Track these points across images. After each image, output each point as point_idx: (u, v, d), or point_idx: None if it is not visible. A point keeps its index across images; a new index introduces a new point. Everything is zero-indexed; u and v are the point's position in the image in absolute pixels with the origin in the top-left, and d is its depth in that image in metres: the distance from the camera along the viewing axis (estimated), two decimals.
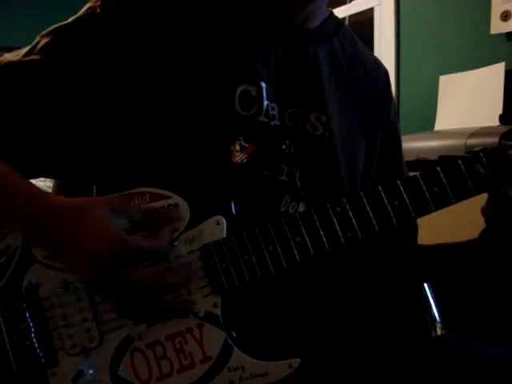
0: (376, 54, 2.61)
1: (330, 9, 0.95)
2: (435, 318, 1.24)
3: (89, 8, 0.81)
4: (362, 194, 0.76)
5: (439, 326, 1.24)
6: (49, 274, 0.75)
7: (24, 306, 0.74)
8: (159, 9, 0.80)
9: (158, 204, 0.76)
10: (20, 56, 0.81)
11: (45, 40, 0.80)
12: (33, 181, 0.80)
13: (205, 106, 0.79)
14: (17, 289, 0.75)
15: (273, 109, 0.84)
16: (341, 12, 2.80)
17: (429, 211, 0.77)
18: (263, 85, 0.82)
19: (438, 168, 0.77)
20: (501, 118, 1.91)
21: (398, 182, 0.76)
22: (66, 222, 0.71)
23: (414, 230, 1.03)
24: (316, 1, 0.86)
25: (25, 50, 0.81)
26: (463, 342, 0.91)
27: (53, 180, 1.04)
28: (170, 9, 0.81)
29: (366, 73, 0.97)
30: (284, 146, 0.84)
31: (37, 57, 0.79)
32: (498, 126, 1.88)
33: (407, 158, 1.08)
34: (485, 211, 0.81)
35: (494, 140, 1.60)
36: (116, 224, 0.70)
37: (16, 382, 0.73)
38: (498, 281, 1.57)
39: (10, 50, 0.84)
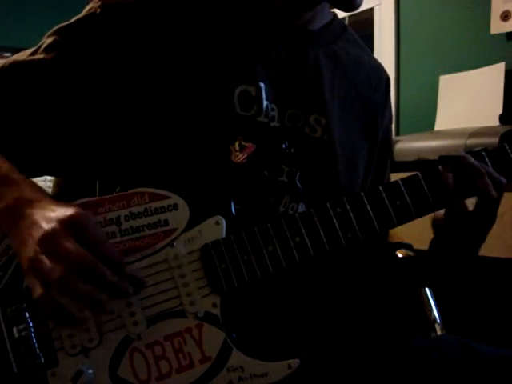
0: (376, 54, 2.61)
1: (333, 12, 0.95)
2: (435, 318, 1.25)
3: (90, 9, 0.82)
4: (362, 194, 0.76)
5: (439, 326, 1.25)
6: None
7: (24, 306, 0.74)
8: (159, 9, 0.81)
9: (157, 204, 0.76)
10: (26, 55, 0.82)
11: (49, 40, 0.82)
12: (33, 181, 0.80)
13: (204, 105, 0.79)
14: (17, 289, 0.75)
15: (272, 110, 0.84)
16: (341, 12, 2.79)
17: (430, 211, 0.77)
18: (262, 85, 0.82)
19: (440, 167, 0.77)
20: (501, 118, 1.91)
21: (400, 181, 0.76)
22: (32, 208, 0.70)
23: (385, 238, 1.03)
24: (317, 5, 0.86)
25: (31, 50, 0.83)
26: (463, 342, 0.91)
27: (53, 180, 1.04)
28: (170, 9, 0.81)
29: (369, 76, 0.97)
30: (284, 147, 0.84)
31: (41, 56, 0.81)
32: (498, 126, 1.88)
33: (407, 158, 1.08)
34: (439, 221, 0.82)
35: (494, 140, 1.60)
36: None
37: (16, 381, 0.73)
38: (494, 280, 1.57)
39: (11, 49, 0.85)
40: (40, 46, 0.82)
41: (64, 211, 0.67)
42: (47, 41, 0.82)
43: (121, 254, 0.71)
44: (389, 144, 1.03)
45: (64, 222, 0.66)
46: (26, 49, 0.84)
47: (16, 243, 0.71)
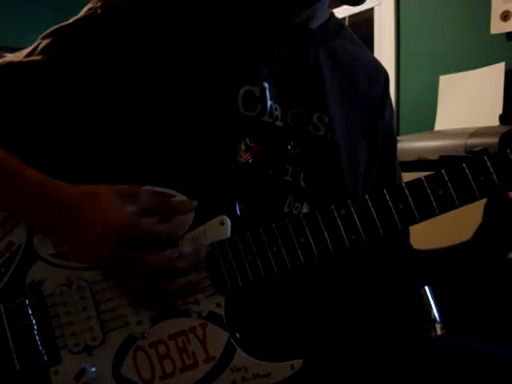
0: (376, 54, 2.61)
1: (330, 9, 0.95)
2: (435, 318, 1.25)
3: (89, 9, 0.81)
4: (366, 197, 0.76)
5: (439, 326, 1.25)
6: (52, 271, 0.75)
7: (27, 302, 0.74)
8: (160, 10, 0.80)
9: None
10: (21, 57, 0.81)
11: (46, 41, 0.80)
12: None
13: (209, 106, 0.79)
14: (20, 286, 0.75)
15: (276, 109, 0.84)
16: (341, 12, 2.79)
17: (433, 215, 0.77)
18: (266, 85, 0.82)
19: (443, 171, 0.77)
20: (501, 118, 1.92)
21: (403, 184, 0.76)
22: (74, 210, 0.71)
23: (406, 235, 1.03)
24: (316, 3, 0.86)
25: (26, 50, 0.82)
26: (463, 342, 0.91)
27: None
28: (171, 10, 0.81)
29: (367, 73, 0.97)
30: (289, 147, 0.84)
31: (38, 57, 0.79)
32: (498, 126, 1.88)
33: (407, 158, 1.08)
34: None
35: (494, 140, 1.60)
36: (125, 208, 0.69)
37: (18, 379, 0.73)
38: (494, 280, 1.57)
39: (10, 50, 0.84)
40: (36, 47, 0.81)
41: (109, 225, 0.68)
42: (44, 42, 0.81)
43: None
44: (393, 141, 1.03)
45: (119, 240, 0.67)
46: (20, 48, 0.83)
47: (78, 250, 0.74)
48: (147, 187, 0.75)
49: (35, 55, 0.80)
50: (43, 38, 0.81)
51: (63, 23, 0.82)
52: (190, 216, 0.74)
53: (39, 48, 0.80)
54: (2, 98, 0.79)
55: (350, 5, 0.88)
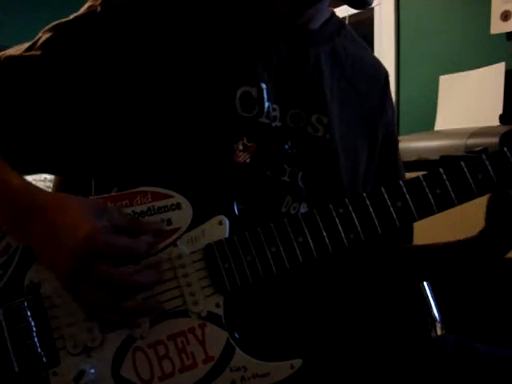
0: (376, 54, 2.60)
1: (331, 9, 0.95)
2: (435, 318, 1.25)
3: (90, 6, 0.81)
4: (364, 195, 0.76)
5: (439, 326, 1.25)
6: (50, 272, 0.74)
7: (25, 304, 0.74)
8: (160, 9, 0.80)
9: (160, 203, 0.76)
10: (21, 51, 0.81)
11: (46, 36, 0.80)
12: (33, 181, 0.79)
13: (206, 106, 0.79)
14: (18, 288, 0.75)
15: (274, 110, 0.84)
16: (341, 12, 2.78)
17: (431, 213, 0.77)
18: (264, 86, 0.82)
19: (441, 169, 0.77)
20: (501, 117, 1.91)
21: (401, 183, 0.76)
22: (45, 217, 0.70)
23: (410, 231, 1.03)
24: (318, 3, 0.86)
25: (26, 45, 0.81)
26: (463, 342, 0.91)
27: (53, 180, 1.04)
28: (171, 9, 0.81)
29: (367, 73, 0.97)
30: (287, 147, 0.84)
31: (37, 52, 0.79)
32: (498, 125, 1.88)
33: (408, 158, 1.08)
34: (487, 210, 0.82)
35: (494, 140, 1.60)
36: (94, 221, 0.68)
37: (17, 381, 0.73)
38: (493, 280, 1.57)
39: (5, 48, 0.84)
40: (36, 42, 0.81)
41: (77, 235, 0.67)
42: (44, 36, 0.80)
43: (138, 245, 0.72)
44: (394, 140, 1.03)
45: (84, 251, 0.67)
46: None
47: (43, 259, 0.73)
48: (138, 189, 0.76)
49: (35, 50, 0.80)
50: (44, 32, 0.81)
51: (64, 19, 0.81)
52: (160, 233, 0.74)
53: (39, 43, 0.80)
54: (1, 92, 0.79)
55: (354, 8, 0.88)
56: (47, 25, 0.82)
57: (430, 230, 1.05)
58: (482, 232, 0.87)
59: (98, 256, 0.67)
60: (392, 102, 1.03)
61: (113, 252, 0.68)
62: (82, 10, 0.82)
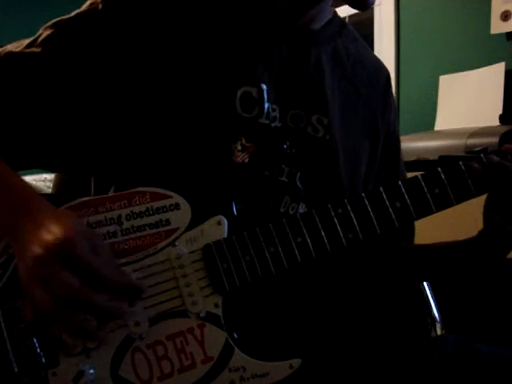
0: (376, 53, 2.60)
1: (332, 9, 0.95)
2: (435, 318, 1.25)
3: (91, 4, 0.81)
4: (363, 195, 0.76)
5: (439, 326, 1.25)
6: None
7: (24, 305, 0.74)
8: (162, 8, 0.80)
9: (158, 204, 0.76)
10: (22, 47, 0.80)
11: (47, 32, 0.80)
12: (33, 181, 0.79)
13: (206, 106, 0.79)
14: (17, 288, 0.74)
15: (274, 110, 0.84)
16: (341, 12, 2.77)
17: (430, 212, 0.77)
18: (264, 87, 0.82)
19: (439, 169, 0.77)
20: (501, 117, 1.92)
21: (400, 183, 0.76)
22: (35, 218, 0.68)
23: (412, 230, 1.03)
24: (320, 3, 0.86)
25: (27, 41, 0.81)
26: (463, 342, 0.91)
27: (53, 180, 1.04)
28: (172, 8, 0.81)
29: (368, 74, 0.97)
30: (285, 147, 0.84)
31: (38, 49, 0.79)
32: (498, 125, 1.89)
33: (407, 158, 1.08)
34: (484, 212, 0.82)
35: (494, 140, 1.60)
36: (80, 232, 0.66)
37: (16, 381, 0.73)
38: (493, 279, 1.57)
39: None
40: (37, 39, 0.80)
41: (56, 233, 0.64)
42: (45, 33, 0.80)
43: (116, 266, 0.69)
44: (395, 140, 1.03)
45: (55, 248, 0.63)
46: None
47: (15, 254, 0.71)
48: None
49: (35, 46, 0.79)
50: (44, 29, 0.81)
51: (65, 16, 0.81)
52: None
53: (40, 39, 0.80)
54: (1, 88, 0.79)
55: (356, 9, 0.88)
56: (46, 23, 0.82)
57: (429, 230, 1.05)
58: (481, 233, 0.87)
59: (66, 260, 0.63)
60: (394, 102, 1.03)
61: (80, 263, 0.64)
62: (84, 7, 0.82)
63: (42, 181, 1.35)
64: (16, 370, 0.73)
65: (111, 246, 0.73)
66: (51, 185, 1.06)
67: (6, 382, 0.73)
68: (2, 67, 0.79)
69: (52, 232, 0.65)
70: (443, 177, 0.76)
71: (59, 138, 0.80)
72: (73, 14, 0.81)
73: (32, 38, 0.81)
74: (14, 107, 0.78)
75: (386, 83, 1.01)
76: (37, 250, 0.64)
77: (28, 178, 0.79)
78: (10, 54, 0.80)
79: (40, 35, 0.81)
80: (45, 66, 0.78)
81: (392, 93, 1.02)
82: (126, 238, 0.75)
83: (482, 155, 0.78)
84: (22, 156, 0.80)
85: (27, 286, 0.65)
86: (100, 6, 0.80)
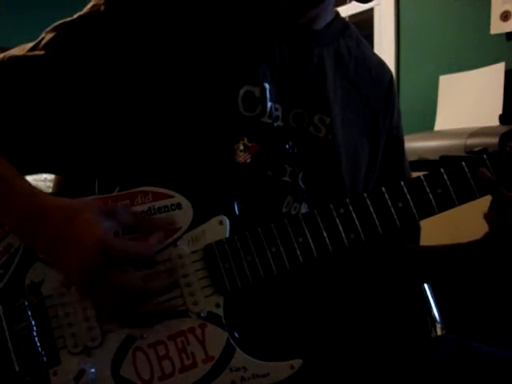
0: (376, 53, 2.61)
1: (335, 9, 0.95)
2: (435, 318, 1.25)
3: (93, 6, 0.81)
4: (365, 196, 0.76)
5: (439, 326, 1.25)
6: (51, 272, 0.75)
7: (26, 304, 0.74)
8: (164, 9, 0.80)
9: (160, 203, 0.76)
10: (25, 51, 0.81)
11: (49, 36, 0.80)
12: (33, 181, 0.79)
13: (208, 106, 0.79)
14: (19, 287, 0.75)
15: (276, 110, 0.84)
16: (341, 12, 2.77)
17: (432, 213, 0.77)
18: (267, 86, 0.82)
19: (442, 170, 0.77)
20: (501, 117, 1.92)
21: (402, 183, 0.76)
22: (54, 224, 0.70)
23: (417, 231, 1.03)
24: (322, 3, 0.86)
25: (30, 45, 0.81)
26: (463, 342, 0.91)
27: (53, 180, 1.04)
28: (174, 9, 0.81)
29: (371, 74, 0.97)
30: (287, 147, 0.84)
31: (41, 52, 0.79)
32: (498, 126, 1.89)
33: (407, 158, 1.08)
34: (488, 215, 0.81)
35: (494, 140, 1.60)
36: (103, 226, 0.68)
37: (17, 380, 0.73)
38: (499, 282, 1.57)
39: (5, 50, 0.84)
40: (40, 42, 0.81)
41: (89, 239, 0.67)
42: (47, 36, 0.80)
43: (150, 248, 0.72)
44: (399, 142, 1.03)
45: (99, 257, 0.66)
46: None
47: (55, 264, 0.73)
48: (143, 188, 0.75)
49: (38, 50, 0.80)
50: (47, 32, 0.81)
51: (67, 19, 0.81)
52: (171, 227, 0.75)
53: (42, 43, 0.80)
54: (4, 92, 0.79)
55: (358, 1, 0.88)
56: (48, 25, 0.82)
57: (433, 231, 1.05)
58: (486, 236, 0.87)
59: (109, 262, 0.66)
60: (398, 104, 1.03)
61: (123, 259, 0.68)
62: (86, 9, 0.82)
63: (42, 181, 1.35)
64: (17, 368, 0.73)
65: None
66: (51, 185, 1.06)
67: (8, 381, 0.73)
68: (5, 71, 0.79)
69: (80, 240, 0.67)
70: (446, 177, 0.76)
71: (64, 140, 0.81)
72: (75, 16, 0.82)
73: (35, 42, 0.81)
74: (19, 111, 0.79)
75: (389, 84, 1.01)
76: (80, 266, 0.67)
77: (28, 178, 0.78)
78: (14, 57, 0.80)
79: (43, 38, 0.81)
80: (48, 68, 0.78)
81: (396, 94, 1.02)
82: (128, 237, 0.75)
83: (484, 156, 0.78)
84: (28, 161, 0.80)
85: (93, 298, 0.69)
86: (103, 8, 0.80)
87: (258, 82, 0.82)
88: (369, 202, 0.76)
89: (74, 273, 0.67)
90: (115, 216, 0.71)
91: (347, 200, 0.76)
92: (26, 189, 0.74)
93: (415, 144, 1.83)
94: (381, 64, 1.02)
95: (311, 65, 0.87)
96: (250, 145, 0.81)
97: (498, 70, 2.12)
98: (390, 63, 2.59)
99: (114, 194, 0.77)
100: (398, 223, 0.76)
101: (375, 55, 1.03)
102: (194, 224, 0.75)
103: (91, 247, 0.66)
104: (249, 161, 0.81)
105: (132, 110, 0.80)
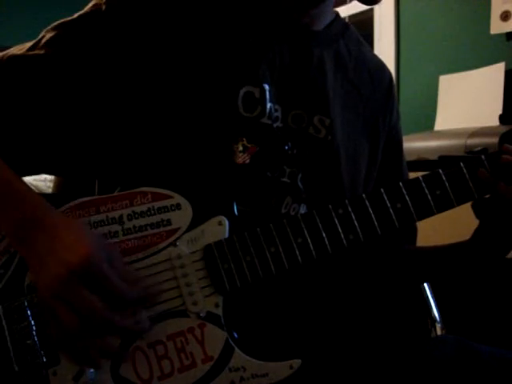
0: (376, 53, 2.60)
1: (335, 10, 0.95)
2: (435, 318, 1.25)
3: (94, 5, 0.81)
4: (364, 196, 0.76)
5: (439, 326, 1.25)
6: None
7: (25, 304, 0.74)
8: (164, 9, 0.80)
9: (160, 204, 0.76)
10: (24, 50, 0.80)
11: (49, 35, 0.80)
12: (33, 181, 0.79)
13: (208, 106, 0.79)
14: (18, 287, 0.75)
15: (276, 110, 0.84)
16: (341, 12, 2.77)
17: (431, 214, 0.77)
18: (266, 87, 0.82)
19: (440, 171, 0.77)
20: (501, 117, 1.92)
21: (401, 184, 0.76)
22: (49, 232, 0.69)
23: (414, 232, 1.03)
24: (321, 4, 0.86)
25: (29, 44, 0.81)
26: (463, 342, 0.91)
27: (53, 180, 1.04)
28: (175, 9, 0.81)
29: (371, 75, 0.97)
30: (286, 148, 0.84)
31: (41, 51, 0.79)
32: (498, 126, 1.89)
33: (407, 158, 1.08)
34: (477, 208, 0.82)
35: (494, 140, 1.60)
36: (99, 250, 0.67)
37: (17, 380, 0.73)
38: (494, 280, 1.57)
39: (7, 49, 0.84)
40: (40, 41, 0.80)
41: (74, 250, 0.65)
42: (47, 35, 0.80)
43: (133, 275, 0.71)
44: (398, 143, 1.03)
45: (76, 268, 0.65)
46: None
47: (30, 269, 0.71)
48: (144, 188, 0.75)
49: (38, 49, 0.79)
50: (47, 31, 0.81)
51: (68, 18, 0.81)
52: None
53: (42, 42, 0.80)
54: (4, 91, 0.79)
55: (363, 3, 0.88)
56: (48, 24, 0.82)
57: (431, 231, 1.05)
58: (475, 231, 0.87)
59: (89, 280, 0.65)
60: (397, 105, 1.03)
61: (106, 285, 0.66)
62: (87, 8, 0.82)
63: (42, 181, 1.35)
64: (16, 368, 0.73)
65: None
66: (51, 185, 1.06)
67: (7, 381, 0.73)
68: (5, 70, 0.79)
69: (70, 249, 0.66)
70: (444, 178, 0.77)
71: (64, 140, 0.80)
72: (75, 15, 0.81)
73: (34, 41, 0.81)
74: (19, 111, 0.78)
75: (389, 86, 1.01)
76: (57, 269, 0.65)
77: (28, 178, 0.78)
78: (13, 56, 0.80)
79: (43, 37, 0.80)
80: (48, 67, 0.78)
81: (395, 95, 1.02)
82: (128, 237, 0.75)
83: (483, 157, 0.78)
84: (28, 161, 0.80)
85: (51, 304, 0.66)
86: (103, 7, 0.80)
87: (258, 82, 0.82)
88: (367, 203, 0.76)
89: (48, 273, 0.66)
90: (112, 255, 0.69)
91: (346, 201, 0.76)
92: (24, 195, 0.73)
93: (415, 144, 1.83)
94: (380, 65, 1.02)
95: (311, 66, 0.87)
96: (249, 145, 0.81)
97: (498, 70, 2.12)
98: (390, 63, 2.59)
99: (114, 194, 0.77)
100: (396, 224, 0.76)
101: (375, 56, 1.03)
102: (193, 224, 0.75)
103: (81, 256, 0.65)
104: (248, 162, 0.81)
105: (132, 110, 0.80)
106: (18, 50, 0.81)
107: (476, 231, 0.88)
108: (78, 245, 0.66)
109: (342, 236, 0.76)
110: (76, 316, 0.65)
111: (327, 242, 0.75)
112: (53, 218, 0.71)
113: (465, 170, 0.77)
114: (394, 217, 0.76)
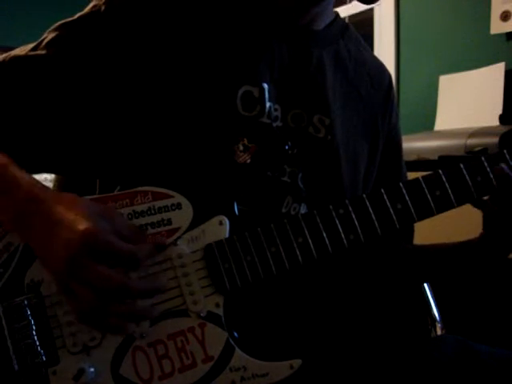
0: (376, 54, 2.60)
1: (335, 10, 0.95)
2: (435, 318, 1.25)
3: (94, 6, 0.81)
4: (364, 197, 0.76)
5: (439, 326, 1.25)
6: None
7: (25, 303, 0.74)
8: (163, 9, 0.80)
9: (160, 203, 0.76)
10: (26, 51, 0.81)
11: (51, 35, 0.81)
12: None
13: (207, 106, 0.79)
14: (18, 286, 0.75)
15: (275, 110, 0.84)
16: (341, 12, 2.79)
17: (431, 215, 0.77)
18: (265, 86, 0.82)
19: (440, 171, 0.77)
20: (501, 117, 1.92)
21: (401, 184, 0.76)
22: (48, 212, 0.69)
23: (411, 231, 1.03)
24: (321, 3, 0.86)
25: (31, 45, 0.82)
26: (463, 342, 0.91)
27: (53, 180, 1.04)
28: (174, 9, 0.81)
29: (370, 76, 0.97)
30: (287, 147, 0.84)
31: (42, 52, 0.79)
32: (498, 126, 1.88)
33: (407, 158, 1.08)
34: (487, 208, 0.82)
35: (494, 140, 1.60)
36: (96, 221, 0.67)
37: (17, 379, 0.73)
38: (494, 280, 1.57)
39: (9, 50, 0.84)
40: (41, 42, 0.81)
41: (74, 227, 0.66)
42: (49, 36, 0.81)
43: (136, 231, 0.72)
44: (397, 143, 1.03)
45: (80, 246, 0.65)
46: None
47: (40, 257, 0.72)
48: (146, 187, 0.75)
49: (40, 49, 0.80)
50: (49, 32, 0.82)
51: (68, 18, 0.82)
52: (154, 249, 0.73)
53: (44, 42, 0.80)
54: (6, 91, 0.79)
55: (362, 3, 0.88)
56: (49, 25, 0.83)
57: (430, 231, 1.05)
58: (481, 236, 0.87)
59: (94, 253, 0.65)
60: (396, 105, 1.03)
61: (111, 252, 0.66)
62: (87, 9, 0.82)
63: (42, 180, 1.34)
64: (16, 367, 0.73)
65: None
66: (51, 185, 1.06)
67: (7, 380, 0.73)
68: (7, 71, 0.80)
69: (70, 229, 0.66)
70: (444, 179, 0.77)
71: (66, 140, 0.81)
72: (76, 16, 0.82)
73: (37, 42, 0.81)
74: (21, 111, 0.79)
75: (388, 86, 1.01)
76: (62, 252, 0.65)
77: None
78: (16, 57, 0.80)
79: (45, 38, 0.81)
80: (50, 68, 0.79)
81: (394, 95, 1.03)
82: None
83: (483, 158, 0.78)
84: (30, 160, 0.80)
85: (69, 288, 0.67)
86: (103, 8, 0.80)
87: (257, 82, 0.82)
88: (368, 203, 0.76)
89: (57, 257, 0.66)
90: (112, 220, 0.70)
91: (347, 201, 0.76)
92: (27, 182, 0.73)
93: (415, 144, 1.83)
94: (380, 66, 1.02)
95: (311, 65, 0.87)
96: (249, 145, 0.81)
97: (498, 70, 2.12)
98: (390, 63, 2.59)
99: (114, 193, 0.77)
100: (396, 224, 0.76)
101: (374, 57, 1.03)
102: (194, 224, 0.75)
103: (78, 233, 0.65)
104: (248, 161, 0.81)
105: (132, 109, 0.80)
106: (20, 51, 0.82)
107: (483, 233, 0.88)
108: (77, 222, 0.66)
109: (343, 236, 0.76)
110: (92, 290, 0.65)
111: (328, 242, 0.75)
112: (49, 200, 0.70)
113: (465, 171, 0.77)
114: (394, 217, 0.76)
